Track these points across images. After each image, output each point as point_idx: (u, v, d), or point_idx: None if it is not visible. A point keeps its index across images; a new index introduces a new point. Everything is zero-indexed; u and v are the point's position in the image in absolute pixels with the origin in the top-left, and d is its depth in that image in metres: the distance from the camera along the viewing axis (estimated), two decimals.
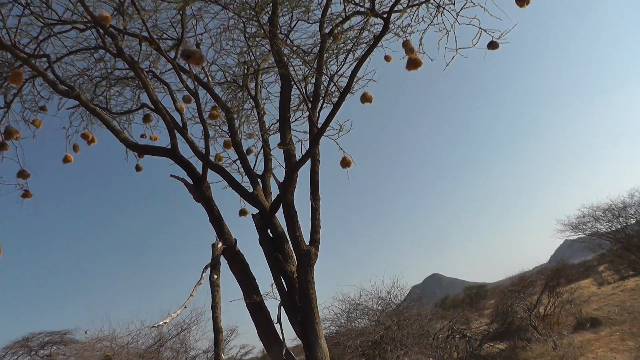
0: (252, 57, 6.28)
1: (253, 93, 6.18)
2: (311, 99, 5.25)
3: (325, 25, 5.33)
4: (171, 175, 5.17)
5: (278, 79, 6.63)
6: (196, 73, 5.81)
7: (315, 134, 4.60)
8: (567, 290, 14.85)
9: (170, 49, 5.76)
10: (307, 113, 5.29)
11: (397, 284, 14.22)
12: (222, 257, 4.55)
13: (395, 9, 4.82)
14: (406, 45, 5.30)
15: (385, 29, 4.39)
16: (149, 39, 5.60)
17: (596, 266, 26.48)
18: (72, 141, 6.74)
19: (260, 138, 5.94)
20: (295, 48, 5.49)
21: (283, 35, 5.59)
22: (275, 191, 5.69)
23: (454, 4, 5.80)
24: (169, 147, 5.12)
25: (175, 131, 5.32)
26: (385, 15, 4.42)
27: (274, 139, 6.35)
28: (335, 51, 5.62)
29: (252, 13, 4.94)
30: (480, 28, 5.58)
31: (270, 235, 5.16)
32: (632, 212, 19.10)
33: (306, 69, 5.56)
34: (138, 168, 6.98)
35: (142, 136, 7.07)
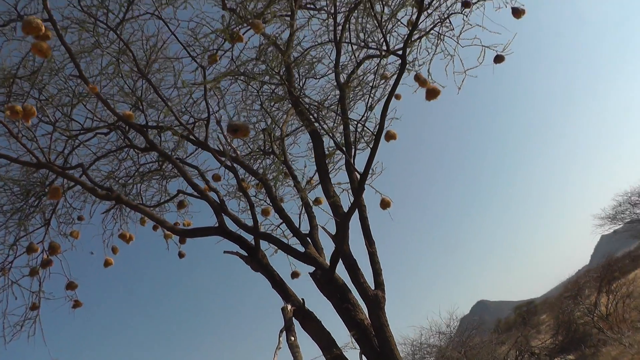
0: (272, 123, 6.43)
1: (282, 157, 6.29)
2: (343, 148, 5.34)
3: (340, 76, 5.48)
4: (225, 252, 5.23)
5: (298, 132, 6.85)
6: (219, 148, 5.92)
7: (359, 180, 4.66)
8: (623, 284, 14.45)
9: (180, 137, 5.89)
10: (344, 163, 5.37)
11: (454, 315, 14.00)
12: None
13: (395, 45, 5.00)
14: (418, 78, 5.40)
15: (404, 65, 4.51)
16: (181, 127, 5.82)
17: None
18: (110, 244, 6.89)
19: (300, 198, 5.99)
20: (316, 104, 5.62)
21: (300, 93, 5.73)
22: (325, 246, 5.73)
23: (453, 30, 5.99)
24: (217, 225, 5.19)
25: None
26: (400, 52, 4.55)
27: (310, 195, 6.44)
28: (353, 97, 5.77)
29: (276, 77, 5.09)
30: (483, 46, 5.72)
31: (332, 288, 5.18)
32: None
33: (331, 120, 5.67)
34: (181, 255, 7.03)
35: (175, 224, 7.18)
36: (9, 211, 6.15)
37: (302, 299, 4.94)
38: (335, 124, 5.41)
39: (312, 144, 5.71)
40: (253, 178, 6.48)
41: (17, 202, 6.16)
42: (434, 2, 5.31)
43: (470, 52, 5.92)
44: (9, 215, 6.15)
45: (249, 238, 5.38)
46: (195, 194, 5.65)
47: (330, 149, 5.77)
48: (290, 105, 6.56)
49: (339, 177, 5.84)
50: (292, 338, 4.19)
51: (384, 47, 4.75)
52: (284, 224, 5.72)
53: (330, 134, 5.06)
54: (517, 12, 5.76)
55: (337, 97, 5.63)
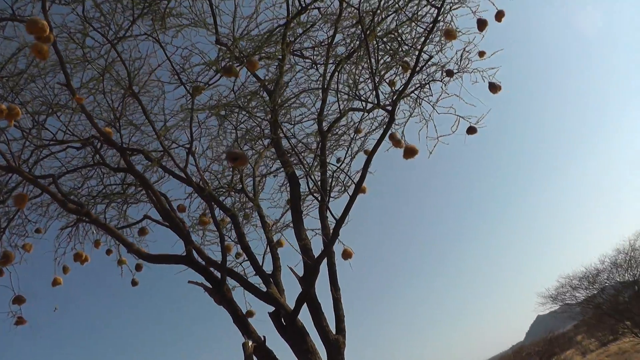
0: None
1: (251, 195, 6.32)
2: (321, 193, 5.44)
3: (322, 123, 5.62)
4: (189, 282, 5.16)
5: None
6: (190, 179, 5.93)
7: (335, 226, 4.74)
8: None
9: (153, 163, 5.88)
10: (317, 208, 5.44)
11: None
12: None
13: (380, 99, 5.19)
14: (393, 137, 5.55)
15: (391, 121, 4.68)
16: (157, 153, 5.80)
17: (574, 336, 26.73)
18: (61, 262, 6.68)
19: (267, 239, 6.00)
20: (303, 145, 5.73)
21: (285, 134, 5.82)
22: (286, 288, 5.73)
23: (432, 95, 6.23)
24: (184, 254, 5.15)
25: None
26: (389, 108, 4.74)
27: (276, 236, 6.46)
28: (334, 146, 5.91)
29: (261, 117, 5.18)
30: (458, 115, 5.94)
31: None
32: (605, 277, 19.84)
33: (307, 164, 5.77)
34: (134, 282, 6.89)
35: (129, 251, 7.04)
36: None
37: (264, 337, 4.91)
38: (312, 169, 5.50)
39: (288, 185, 5.78)
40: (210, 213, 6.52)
41: None
42: (423, 66, 5.52)
43: (445, 120, 6.16)
44: None
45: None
46: (163, 221, 5.61)
47: (304, 193, 5.86)
48: (263, 146, 6.68)
49: (307, 222, 5.88)
50: None
51: (374, 101, 4.90)
52: (249, 261, 5.71)
53: (312, 177, 5.13)
54: (494, 88, 6.00)
55: (318, 143, 5.74)
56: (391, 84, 6.06)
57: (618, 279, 20.32)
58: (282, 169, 6.17)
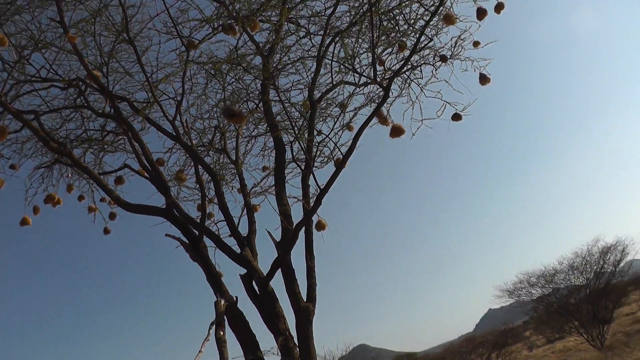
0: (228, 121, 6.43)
1: (233, 157, 6.28)
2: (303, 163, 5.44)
3: (314, 92, 5.60)
4: (166, 235, 5.14)
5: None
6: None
7: (319, 195, 4.76)
8: (504, 353, 15.38)
9: (138, 113, 5.78)
10: (301, 176, 5.44)
11: (334, 355, 14.14)
12: None
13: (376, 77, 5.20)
14: (380, 115, 5.58)
15: (386, 97, 4.70)
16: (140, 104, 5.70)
17: (523, 331, 27.58)
18: (32, 203, 6.56)
19: (244, 202, 5.99)
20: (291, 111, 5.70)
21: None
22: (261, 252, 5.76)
23: (422, 78, 6.25)
24: (164, 206, 5.10)
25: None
26: (384, 84, 4.74)
27: (255, 200, 6.46)
28: (324, 116, 5.91)
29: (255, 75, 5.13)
30: (444, 101, 5.97)
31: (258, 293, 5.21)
32: (561, 278, 20.49)
33: (298, 129, 5.75)
34: (106, 231, 6.83)
35: (101, 200, 6.96)
36: None
37: (236, 297, 4.93)
38: (302, 134, 5.49)
39: (273, 150, 5.76)
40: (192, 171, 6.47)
41: None
42: (423, 47, 5.52)
43: (431, 104, 6.18)
44: None
45: None
46: (145, 172, 5.54)
47: (288, 160, 5.85)
48: (248, 109, 6.63)
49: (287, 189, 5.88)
50: (221, 332, 4.15)
51: (370, 75, 4.90)
52: (225, 222, 5.70)
53: (301, 142, 5.13)
54: (484, 79, 6.06)
55: (307, 112, 5.72)
56: (380, 62, 6.04)
57: (572, 282, 21.08)
58: (268, 133, 6.14)
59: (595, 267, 21.00)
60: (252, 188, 6.29)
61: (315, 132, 5.56)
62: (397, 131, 5.51)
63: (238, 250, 5.41)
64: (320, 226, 5.51)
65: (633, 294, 26.86)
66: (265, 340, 5.01)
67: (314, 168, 5.48)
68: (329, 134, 5.46)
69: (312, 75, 5.64)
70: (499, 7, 5.64)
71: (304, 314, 4.89)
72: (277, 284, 5.29)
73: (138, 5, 5.34)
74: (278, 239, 5.29)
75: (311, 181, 5.35)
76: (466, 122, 6.11)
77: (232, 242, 5.58)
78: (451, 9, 5.67)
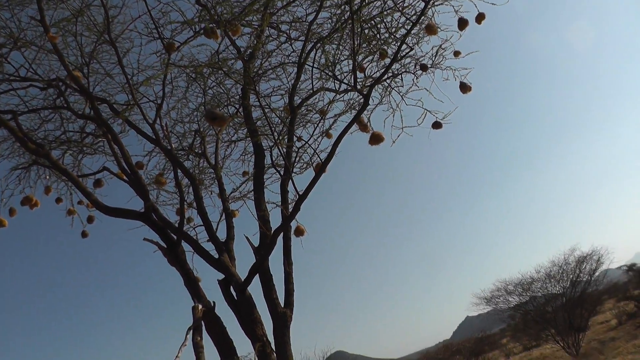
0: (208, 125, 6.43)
1: (212, 161, 6.28)
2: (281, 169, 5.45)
3: (295, 98, 5.62)
4: (144, 239, 5.12)
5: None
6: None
7: (297, 200, 4.76)
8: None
9: (118, 115, 5.75)
10: (280, 182, 5.45)
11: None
12: None
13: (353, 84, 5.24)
14: (360, 121, 5.62)
15: (365, 105, 4.73)
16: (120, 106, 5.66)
17: (500, 339, 27.81)
18: (8, 205, 6.48)
19: (223, 207, 5.98)
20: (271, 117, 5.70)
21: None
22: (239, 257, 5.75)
23: (402, 86, 6.31)
24: (143, 210, 5.08)
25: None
26: (365, 92, 4.78)
27: (234, 205, 6.46)
28: (303, 122, 5.93)
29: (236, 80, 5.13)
30: (425, 109, 6.02)
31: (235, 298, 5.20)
32: (539, 287, 20.76)
33: (278, 134, 5.77)
34: (84, 234, 6.78)
35: (79, 202, 6.91)
36: None
37: (214, 302, 4.91)
38: (281, 140, 5.51)
39: (253, 155, 5.77)
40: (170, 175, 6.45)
41: None
42: (404, 55, 5.57)
43: (411, 112, 6.23)
44: None
45: None
46: (124, 175, 5.51)
47: (267, 165, 5.85)
48: (228, 114, 6.63)
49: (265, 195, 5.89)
50: (199, 338, 4.14)
51: (351, 83, 4.93)
52: (204, 227, 5.69)
53: (280, 148, 5.14)
54: (465, 88, 6.13)
55: (287, 117, 5.74)
56: (361, 69, 6.08)
57: (549, 290, 21.37)
58: (248, 138, 6.15)
59: (571, 276, 21.36)
60: (231, 193, 6.30)
61: (295, 138, 5.58)
62: (376, 139, 5.55)
63: (216, 256, 5.41)
64: (299, 232, 5.52)
65: (607, 303, 27.31)
66: (243, 346, 5.01)
67: (293, 174, 5.50)
68: (308, 140, 5.49)
69: (293, 81, 5.67)
70: (479, 18, 5.71)
71: (282, 319, 4.90)
72: (255, 289, 5.30)
73: (120, 6, 5.32)
74: (256, 244, 5.29)
75: (290, 187, 5.37)
76: (447, 130, 6.19)
77: (210, 247, 5.57)
78: (433, 19, 5.75)
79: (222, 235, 5.77)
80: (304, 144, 5.57)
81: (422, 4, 5.24)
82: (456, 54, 6.03)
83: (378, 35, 5.97)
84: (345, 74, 5.87)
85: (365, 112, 5.72)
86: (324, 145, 6.13)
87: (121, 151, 5.19)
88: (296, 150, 5.65)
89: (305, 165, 5.91)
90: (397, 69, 6.12)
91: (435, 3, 5.57)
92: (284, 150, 5.32)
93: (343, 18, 5.62)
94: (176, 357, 3.89)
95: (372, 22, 5.83)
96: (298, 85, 5.73)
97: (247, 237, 5.27)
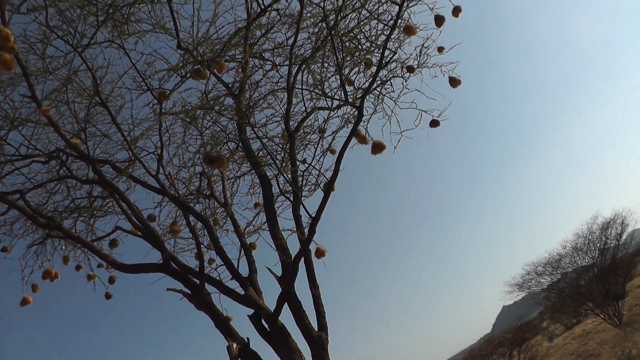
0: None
1: (222, 200, 6.31)
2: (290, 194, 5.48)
3: (290, 123, 5.66)
4: (168, 289, 5.12)
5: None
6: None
7: (311, 223, 4.78)
8: (525, 349, 15.32)
9: (121, 173, 5.81)
10: (291, 207, 5.46)
11: None
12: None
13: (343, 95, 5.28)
14: (358, 134, 5.63)
15: (360, 116, 4.76)
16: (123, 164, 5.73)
17: (540, 323, 27.48)
18: (29, 282, 6.54)
19: (240, 242, 5.99)
20: (270, 145, 5.75)
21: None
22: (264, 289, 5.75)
23: (393, 91, 6.33)
24: (161, 261, 5.11)
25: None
26: (357, 104, 4.81)
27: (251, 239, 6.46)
28: (300, 146, 5.98)
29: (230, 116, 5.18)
30: (420, 110, 6.02)
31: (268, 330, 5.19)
32: (568, 262, 20.48)
33: (280, 162, 5.80)
34: (108, 296, 6.80)
35: (98, 266, 6.96)
36: None
37: (247, 339, 4.91)
38: (285, 166, 5.54)
39: (260, 187, 5.80)
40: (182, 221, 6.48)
41: None
42: (388, 61, 5.60)
43: (407, 114, 6.24)
44: None
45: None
46: (137, 230, 5.56)
47: (276, 194, 5.88)
48: (229, 150, 6.68)
49: (279, 222, 5.91)
50: None
51: (342, 98, 4.97)
52: (225, 266, 5.70)
53: (284, 175, 5.17)
54: (454, 82, 6.13)
55: (286, 143, 5.77)
56: (350, 82, 6.12)
57: (579, 263, 21.08)
58: (253, 170, 6.18)
59: (598, 245, 21.01)
60: (246, 227, 6.30)
61: (297, 162, 5.60)
62: (377, 147, 5.57)
63: (242, 292, 5.41)
64: (320, 253, 5.52)
65: None
66: None
67: (302, 198, 5.52)
68: (311, 162, 5.50)
69: (286, 106, 5.70)
70: (456, 11, 5.73)
71: (318, 343, 4.88)
72: (286, 318, 5.29)
73: (106, 66, 5.41)
74: (279, 273, 5.29)
75: (302, 211, 5.38)
76: (455, 123, 6.21)
77: (234, 285, 5.57)
78: (410, 20, 5.79)
79: (244, 270, 5.79)
80: (308, 166, 5.59)
81: (397, 8, 5.29)
82: (440, 49, 6.04)
83: (360, 46, 6.02)
84: (335, 90, 5.91)
85: (361, 123, 5.78)
86: (328, 164, 6.16)
87: (130, 208, 5.24)
88: (301, 174, 5.67)
89: (312, 187, 5.91)
90: (385, 76, 6.13)
91: (409, 5, 5.62)
92: (289, 176, 5.34)
93: (322, 36, 5.69)
94: None
95: (352, 34, 5.89)
96: (291, 110, 5.76)
97: (268, 268, 5.27)
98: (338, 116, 6.35)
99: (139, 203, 7.89)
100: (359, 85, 6.17)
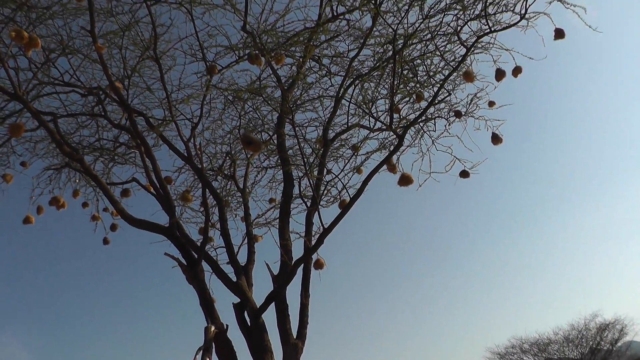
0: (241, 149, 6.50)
1: (241, 185, 6.32)
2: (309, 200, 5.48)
3: (329, 131, 5.67)
4: (165, 254, 5.13)
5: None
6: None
7: (322, 233, 4.77)
8: None
9: (153, 129, 5.84)
10: (306, 213, 5.46)
11: None
12: None
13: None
14: (389, 162, 5.61)
15: (399, 145, 4.76)
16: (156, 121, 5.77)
17: None
18: (36, 202, 6.60)
19: (246, 231, 5.99)
20: (305, 147, 5.76)
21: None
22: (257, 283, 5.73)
23: (434, 130, 6.31)
24: (167, 225, 5.12)
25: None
26: (399, 132, 4.81)
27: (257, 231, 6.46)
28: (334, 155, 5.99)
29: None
30: (454, 156, 5.97)
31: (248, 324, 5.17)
32: (556, 349, 20.22)
33: (308, 165, 5.81)
34: (106, 241, 6.84)
35: (104, 209, 7.01)
36: None
37: (226, 325, 4.89)
38: (312, 171, 5.54)
39: (282, 183, 5.79)
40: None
41: None
42: (442, 99, 5.60)
43: (440, 158, 6.19)
44: None
45: None
46: (152, 188, 5.58)
47: (295, 195, 5.87)
48: (262, 140, 6.70)
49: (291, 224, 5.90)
50: (208, 359, 4.12)
51: (387, 122, 4.97)
52: (225, 248, 5.70)
53: (310, 178, 5.18)
54: (496, 139, 6.07)
55: (319, 150, 5.78)
56: (396, 110, 6.12)
57: (566, 354, 20.77)
58: (279, 166, 6.19)
59: (591, 343, 20.71)
60: (255, 218, 6.29)
61: (325, 171, 5.60)
62: (406, 180, 5.56)
63: (234, 279, 5.40)
64: (319, 265, 5.51)
65: None
66: None
67: (320, 206, 5.51)
68: (338, 174, 5.50)
69: (329, 114, 5.72)
70: (516, 71, 5.69)
71: (293, 350, 4.85)
72: (269, 317, 5.27)
73: (168, 25, 5.48)
74: (276, 272, 5.28)
75: (315, 219, 5.38)
76: (478, 179, 6.15)
77: (229, 270, 5.56)
78: (471, 67, 5.77)
79: (242, 259, 5.79)
80: (334, 178, 5.59)
81: (463, 50, 5.29)
82: (490, 104, 6.00)
83: (416, 78, 6.02)
84: (381, 113, 5.91)
85: (399, 154, 5.77)
86: (354, 181, 6.16)
87: (152, 165, 5.26)
88: (325, 183, 5.68)
89: (332, 199, 5.91)
90: (432, 113, 6.13)
91: (475, 51, 5.61)
92: (314, 181, 5.34)
93: (385, 57, 5.70)
94: None
95: (412, 63, 5.89)
96: (333, 119, 5.78)
97: (267, 264, 5.27)
98: (377, 139, 6.34)
99: (159, 163, 7.95)
100: (403, 115, 6.17)
